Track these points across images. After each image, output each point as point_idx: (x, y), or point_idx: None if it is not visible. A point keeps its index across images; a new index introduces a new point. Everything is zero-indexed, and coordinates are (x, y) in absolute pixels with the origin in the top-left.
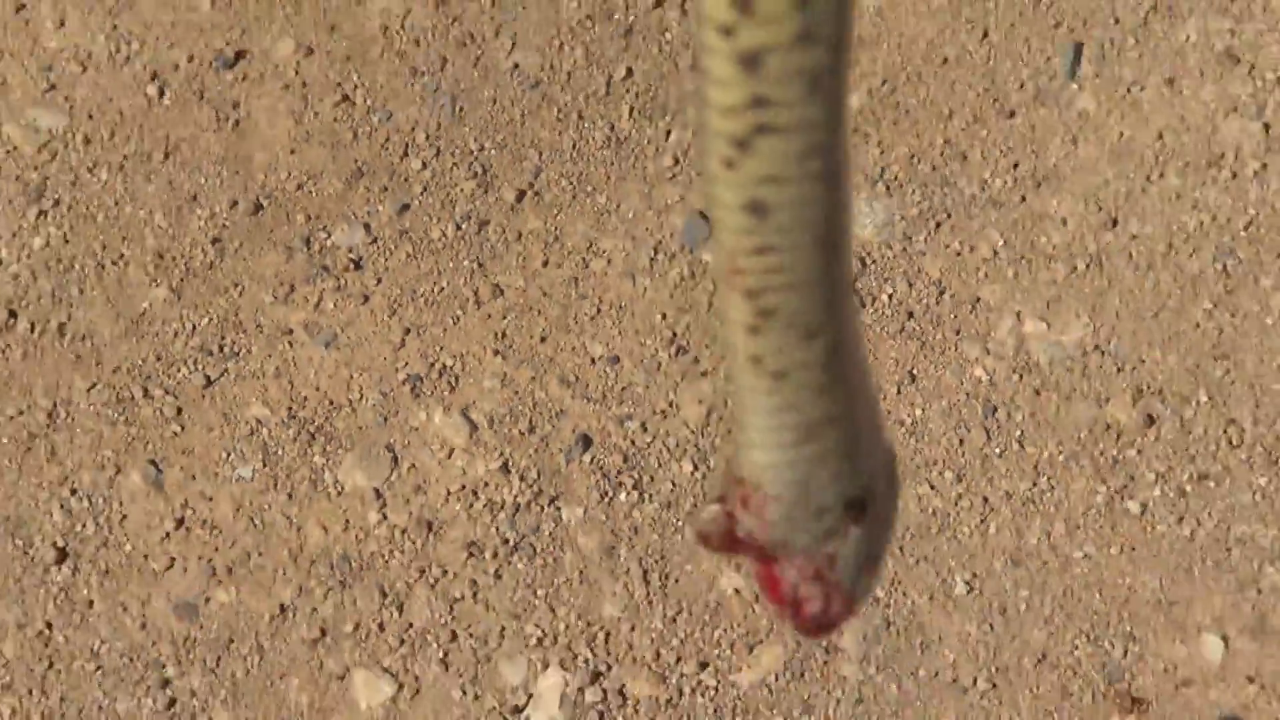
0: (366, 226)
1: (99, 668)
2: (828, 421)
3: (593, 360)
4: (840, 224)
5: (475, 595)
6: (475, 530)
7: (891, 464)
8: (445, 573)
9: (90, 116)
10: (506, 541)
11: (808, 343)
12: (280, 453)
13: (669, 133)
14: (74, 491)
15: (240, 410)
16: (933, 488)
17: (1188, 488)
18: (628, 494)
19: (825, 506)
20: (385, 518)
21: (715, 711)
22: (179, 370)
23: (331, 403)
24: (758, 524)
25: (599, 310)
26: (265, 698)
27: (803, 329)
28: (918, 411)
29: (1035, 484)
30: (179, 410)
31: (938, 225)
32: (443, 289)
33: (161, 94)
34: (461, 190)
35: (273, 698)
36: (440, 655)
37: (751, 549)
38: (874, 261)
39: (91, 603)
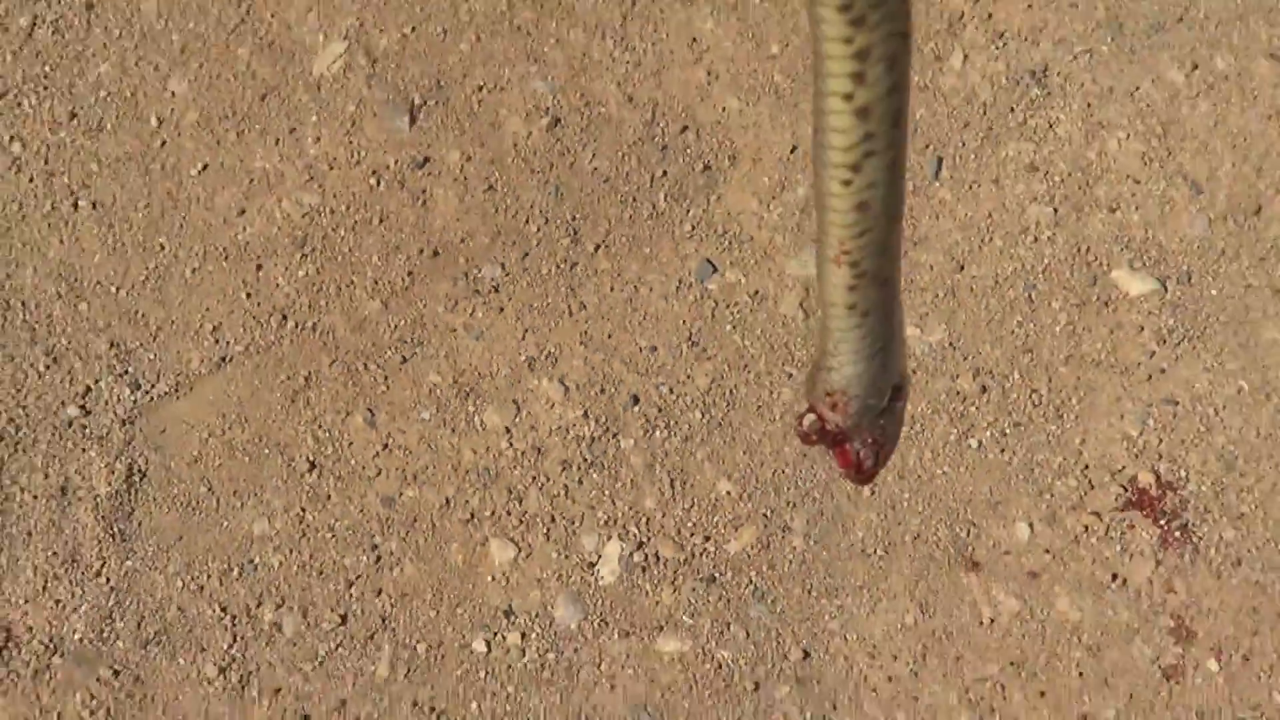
0: (502, 266)
1: (333, 536)
2: (889, 339)
3: (640, 349)
4: (903, 203)
5: (566, 493)
6: (566, 453)
7: (907, 359)
8: (548, 479)
9: (335, 197)
10: (585, 460)
11: (883, 288)
12: (447, 404)
13: (689, 210)
14: (320, 426)
15: (424, 378)
16: None
17: (1007, 431)
18: (660, 432)
19: (882, 396)
20: (511, 445)
21: (713, 566)
22: (385, 353)
23: (479, 373)
24: (843, 418)
25: (644, 319)
26: (436, 556)
27: (882, 279)
28: None
29: (911, 428)
30: (386, 377)
31: None
32: (548, 305)
33: (379, 183)
34: (560, 244)
35: (440, 556)
36: (544, 530)
37: (835, 437)
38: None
39: (329, 496)
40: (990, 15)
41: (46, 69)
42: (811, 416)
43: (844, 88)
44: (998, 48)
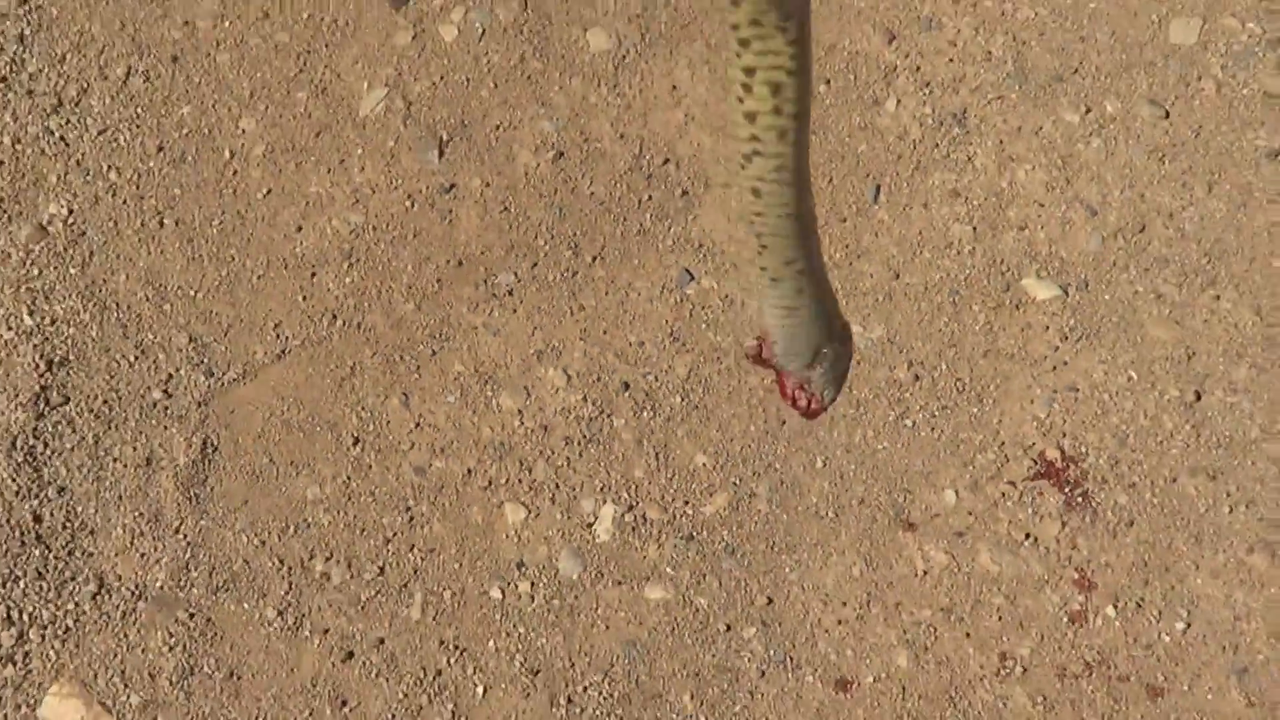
0: (515, 274)
1: (374, 500)
2: (802, 304)
3: (630, 344)
4: (805, 202)
5: (568, 464)
6: (569, 430)
7: (846, 330)
8: (554, 453)
9: (376, 216)
10: (585, 436)
11: (788, 265)
12: (469, 389)
13: (670, 228)
14: (363, 408)
15: (450, 367)
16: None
17: (936, 413)
18: (647, 413)
19: (803, 349)
20: (523, 424)
21: (691, 526)
22: (417, 346)
23: (496, 364)
24: (769, 354)
25: (633, 318)
26: (459, 517)
27: (784, 254)
28: None
29: (856, 410)
30: (418, 367)
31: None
32: (554, 306)
33: (413, 205)
34: (564, 256)
35: (463, 517)
36: (550, 496)
37: (769, 366)
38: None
39: (370, 466)
40: (919, 68)
41: (138, 110)
42: (753, 342)
43: (736, 93)
44: (925, 94)
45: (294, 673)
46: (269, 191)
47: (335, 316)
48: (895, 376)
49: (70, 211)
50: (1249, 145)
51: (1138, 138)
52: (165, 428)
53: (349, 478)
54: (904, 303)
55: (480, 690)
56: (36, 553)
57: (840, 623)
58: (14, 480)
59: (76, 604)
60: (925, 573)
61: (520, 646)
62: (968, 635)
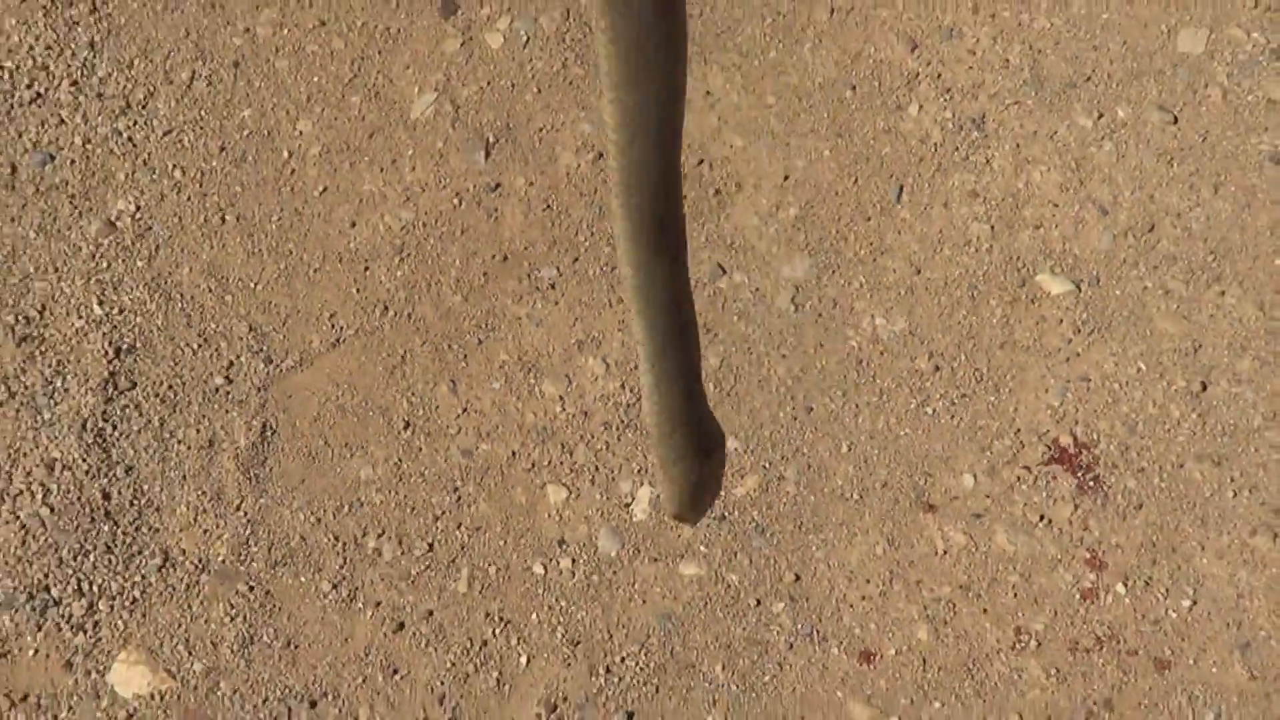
0: (557, 268)
1: (423, 480)
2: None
3: None
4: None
5: (607, 448)
6: (607, 416)
7: (722, 446)
8: (593, 437)
9: (426, 213)
10: (623, 422)
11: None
12: (514, 376)
13: (704, 225)
14: (413, 394)
15: (495, 356)
16: (829, 402)
17: (955, 401)
18: None
19: (679, 456)
20: (564, 409)
21: (723, 507)
22: (465, 336)
23: (539, 353)
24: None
25: None
26: (504, 497)
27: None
28: (826, 363)
29: (880, 399)
30: (465, 355)
31: (832, 271)
32: (594, 299)
33: (461, 203)
34: (603, 251)
35: (508, 497)
36: (590, 477)
37: None
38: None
39: (420, 448)
40: (940, 75)
41: (201, 113)
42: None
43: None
44: (945, 100)
45: (348, 642)
46: (325, 189)
47: (387, 307)
48: (916, 366)
49: (137, 208)
50: (1253, 149)
51: (1147, 142)
52: (227, 411)
53: (400, 459)
54: (925, 297)
55: (524, 660)
56: (105, 528)
57: (864, 598)
58: (84, 460)
59: (143, 576)
60: (945, 552)
61: (561, 619)
62: (985, 611)
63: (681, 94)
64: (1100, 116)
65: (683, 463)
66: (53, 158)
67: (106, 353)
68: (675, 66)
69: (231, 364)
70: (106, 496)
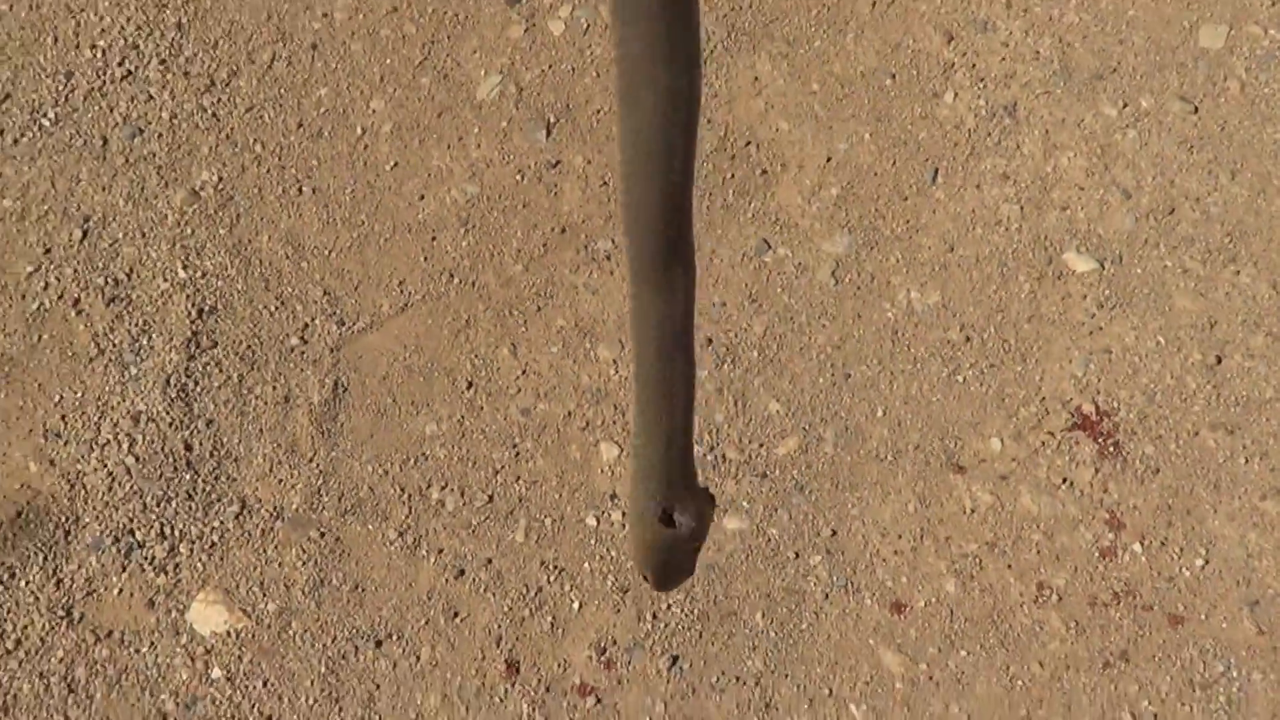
0: (612, 240)
1: (484, 437)
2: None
3: (713, 304)
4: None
5: None
6: None
7: (705, 511)
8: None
9: (490, 188)
10: None
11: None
12: (570, 341)
13: (750, 203)
14: (476, 356)
15: (553, 321)
16: (866, 369)
17: (984, 370)
18: (727, 365)
19: (641, 512)
20: (617, 372)
21: (765, 465)
22: (525, 303)
23: (594, 319)
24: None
25: (716, 281)
26: (560, 453)
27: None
28: (864, 333)
29: (914, 367)
30: (525, 321)
31: (871, 248)
32: None
33: (523, 178)
34: None
35: (563, 453)
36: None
37: None
38: (841, 268)
39: (482, 407)
40: (974, 65)
41: (281, 91)
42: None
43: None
44: (979, 88)
45: (412, 587)
46: (395, 164)
47: (452, 275)
48: (948, 337)
49: (220, 179)
50: (1269, 139)
51: (1169, 130)
52: (301, 370)
53: (463, 417)
54: (957, 272)
55: (576, 605)
56: (187, 477)
57: (896, 553)
58: (168, 413)
59: (221, 522)
60: (972, 511)
61: (612, 568)
62: (1009, 566)
63: (693, 120)
64: (1125, 106)
65: (639, 518)
66: (141, 131)
67: (190, 313)
68: (685, 86)
69: (306, 325)
70: (188, 447)
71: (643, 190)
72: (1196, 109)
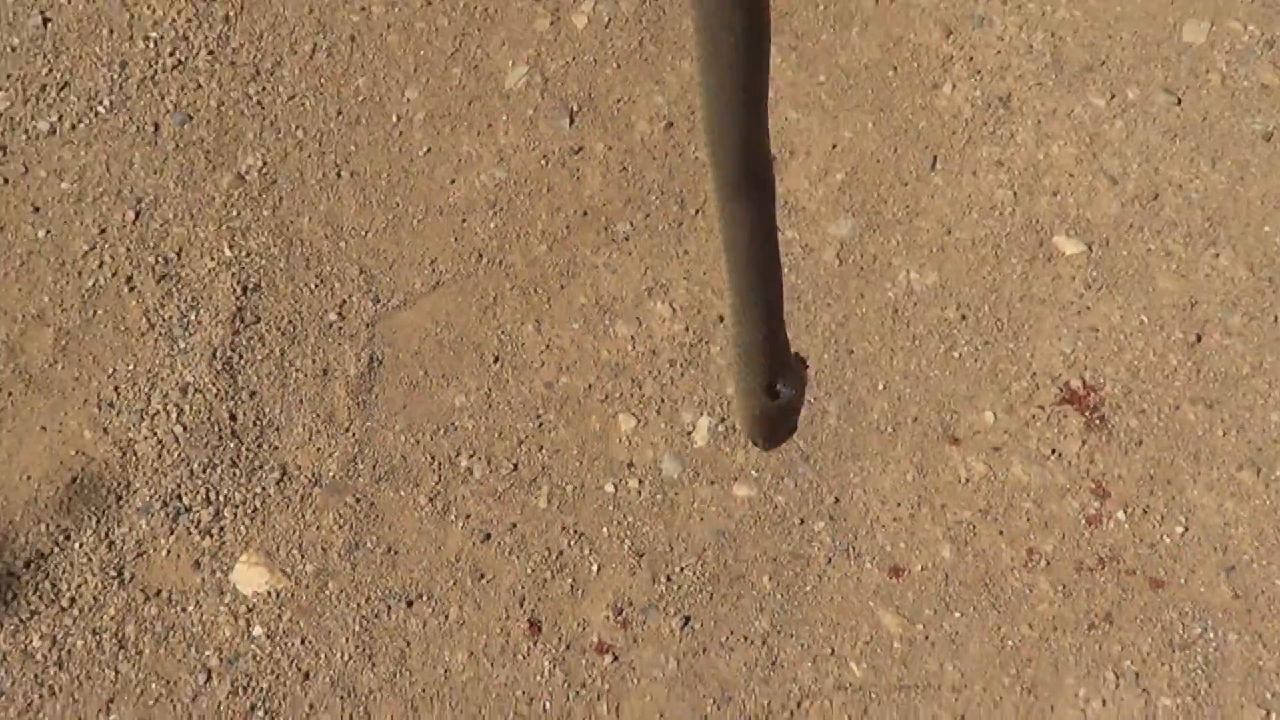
0: (631, 223)
1: (510, 408)
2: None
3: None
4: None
5: (672, 382)
6: (673, 354)
7: (803, 375)
8: (660, 372)
9: (517, 173)
10: (686, 359)
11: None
12: (591, 318)
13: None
14: (503, 331)
15: (575, 299)
16: (868, 345)
17: (979, 347)
18: (731, 342)
19: (749, 389)
20: (635, 348)
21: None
22: (549, 281)
23: (614, 297)
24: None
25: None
26: (581, 424)
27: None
28: (866, 311)
29: (913, 344)
30: (549, 298)
31: (873, 230)
32: (662, 250)
33: (547, 163)
34: (671, 209)
35: (584, 424)
36: (656, 408)
37: None
38: (848, 248)
39: (508, 380)
40: (971, 58)
41: (322, 80)
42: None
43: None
44: (976, 80)
45: (441, 549)
46: (428, 150)
47: (481, 255)
48: (945, 315)
49: (264, 163)
50: (1248, 129)
51: (1154, 120)
52: (339, 344)
53: (490, 389)
54: (954, 254)
55: (595, 568)
56: (231, 445)
57: (895, 520)
58: (214, 384)
59: (263, 488)
60: (967, 480)
61: (629, 533)
62: (1001, 533)
63: (765, 54)
64: (1113, 97)
65: (748, 396)
66: (190, 117)
67: (235, 290)
68: (758, 24)
69: (344, 302)
70: (233, 417)
71: (724, 118)
72: (1180, 100)
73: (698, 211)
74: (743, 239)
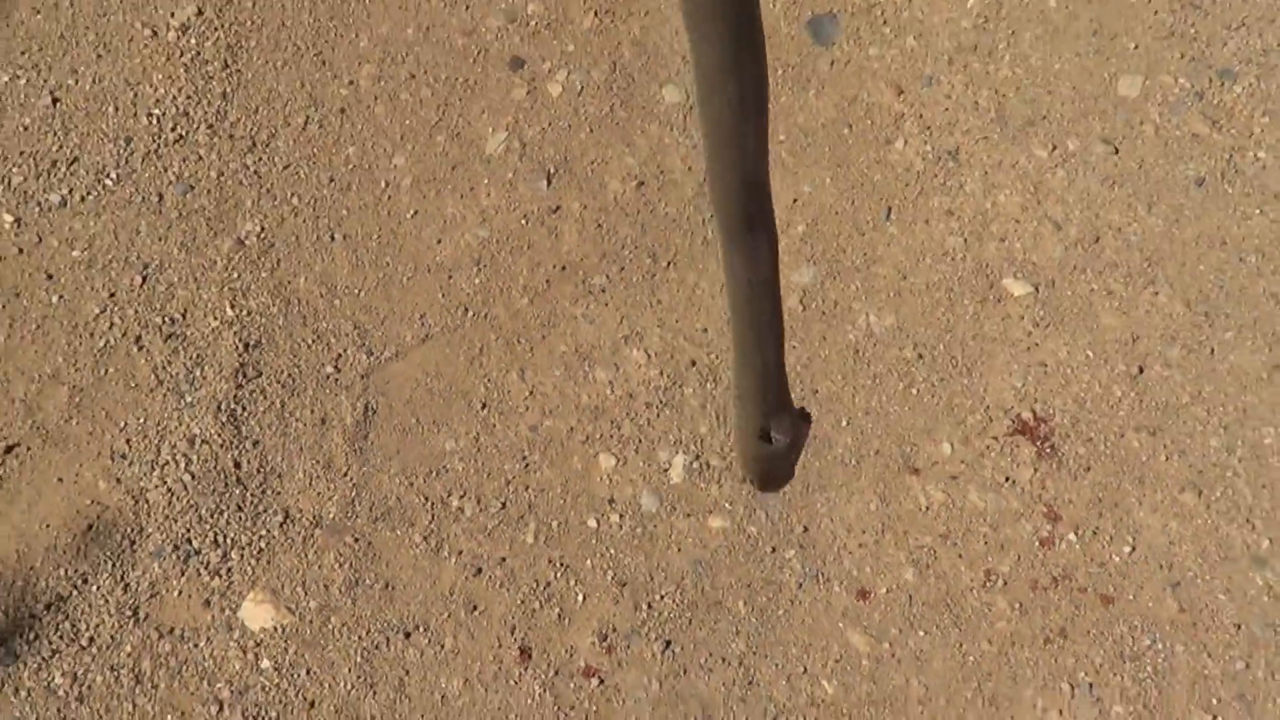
0: (607, 276)
1: (497, 451)
2: (749, 404)
3: (696, 330)
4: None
5: (649, 423)
6: (649, 397)
7: (802, 427)
8: (637, 414)
9: (499, 232)
10: (661, 402)
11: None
12: (571, 365)
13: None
14: (489, 379)
15: (556, 348)
16: (832, 384)
17: (935, 383)
18: (709, 384)
19: (745, 431)
20: (613, 391)
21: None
22: (531, 332)
23: (592, 345)
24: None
25: (698, 310)
26: (564, 464)
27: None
28: (829, 353)
29: (874, 382)
30: (531, 348)
31: (834, 277)
32: (637, 301)
33: (527, 222)
34: (645, 262)
35: (567, 464)
36: (634, 448)
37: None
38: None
39: (495, 425)
40: (921, 115)
41: (314, 150)
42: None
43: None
44: (926, 136)
45: (436, 584)
46: (415, 213)
47: (467, 309)
48: (903, 355)
49: (262, 229)
50: (1181, 175)
51: (1093, 169)
52: (336, 395)
53: (478, 434)
54: (910, 298)
55: (580, 598)
56: (237, 491)
57: (861, 546)
58: (219, 435)
59: (267, 531)
60: (927, 507)
61: (611, 564)
62: (960, 556)
63: (764, 106)
64: (1054, 149)
65: (743, 437)
66: (192, 187)
67: (237, 347)
68: (756, 78)
69: (340, 356)
70: (238, 465)
71: (725, 169)
72: (1117, 150)
73: (669, 264)
74: (742, 282)
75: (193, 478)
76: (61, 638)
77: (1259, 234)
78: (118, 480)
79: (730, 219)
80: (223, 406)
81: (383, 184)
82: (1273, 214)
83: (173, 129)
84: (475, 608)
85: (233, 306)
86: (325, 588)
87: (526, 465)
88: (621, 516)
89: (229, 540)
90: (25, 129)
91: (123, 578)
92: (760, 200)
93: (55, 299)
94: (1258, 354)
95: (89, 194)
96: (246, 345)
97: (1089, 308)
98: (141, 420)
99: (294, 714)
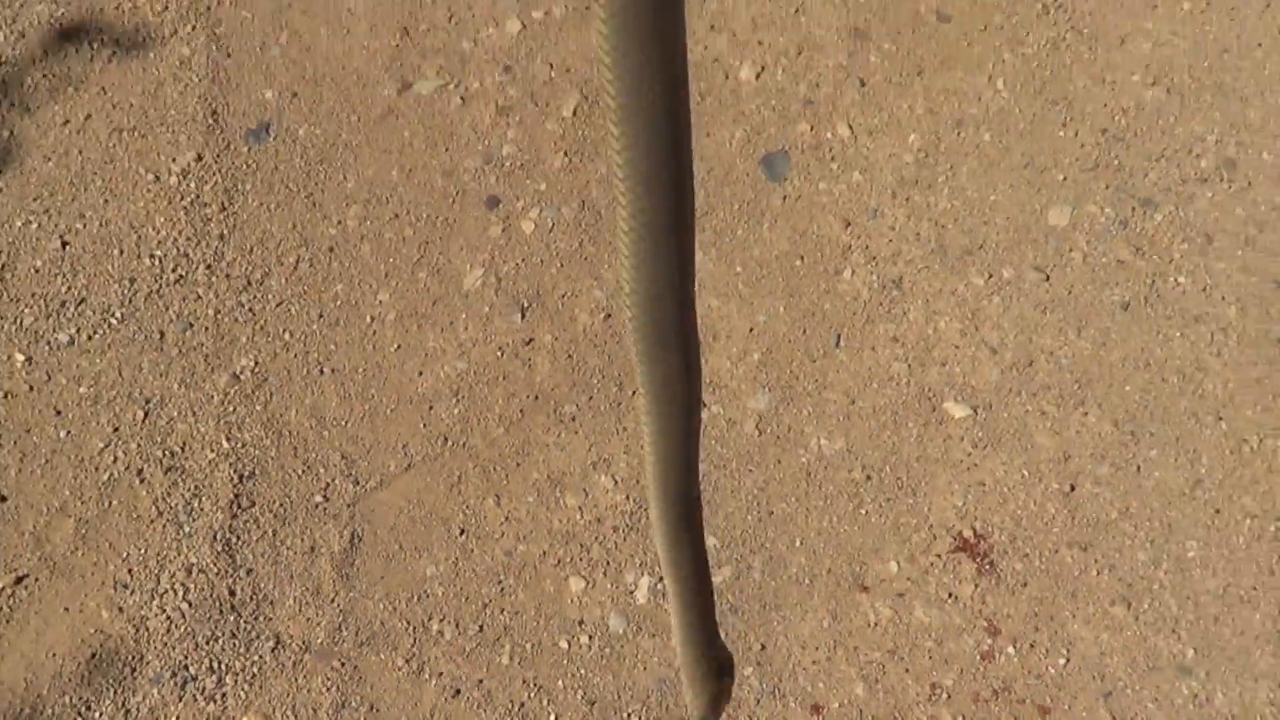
0: (577, 405)
1: (475, 575)
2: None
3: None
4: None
5: (616, 546)
6: (616, 521)
7: (731, 668)
8: (605, 538)
9: (476, 364)
10: (627, 526)
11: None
12: (544, 491)
13: None
14: (467, 506)
15: (529, 475)
16: (786, 506)
17: (882, 503)
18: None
19: (695, 676)
20: (582, 516)
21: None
22: (506, 460)
23: (563, 472)
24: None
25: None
26: (537, 587)
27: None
28: (783, 475)
29: (825, 503)
30: (507, 475)
31: (787, 403)
32: (605, 428)
33: (503, 354)
34: (612, 391)
35: (539, 587)
36: (602, 570)
37: None
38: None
39: (472, 550)
40: (867, 247)
41: (305, 288)
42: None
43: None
44: (872, 266)
45: (417, 706)
46: (399, 346)
47: (447, 439)
48: (853, 476)
49: (256, 364)
50: (1107, 300)
51: (1026, 295)
52: (324, 523)
53: (457, 559)
54: (859, 421)
55: (553, 717)
56: (231, 618)
57: (814, 662)
58: (215, 564)
59: (260, 656)
60: (875, 624)
61: (581, 684)
62: (907, 670)
63: (690, 237)
64: (990, 276)
65: (702, 681)
66: (191, 325)
67: (232, 479)
68: (687, 215)
69: (328, 485)
70: (232, 593)
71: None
72: (1048, 277)
73: (634, 392)
74: (668, 526)
75: (190, 606)
76: None
77: (1180, 355)
78: (120, 609)
79: (665, 514)
80: (218, 536)
81: (368, 319)
82: (1192, 336)
83: (173, 269)
84: None
85: (228, 439)
86: (314, 711)
87: (502, 589)
88: (591, 638)
89: (224, 666)
90: (36, 271)
91: (124, 704)
92: (689, 487)
93: (63, 434)
94: (1180, 471)
95: (95, 333)
96: (241, 476)
97: (1024, 428)
98: (143, 550)
99: None
